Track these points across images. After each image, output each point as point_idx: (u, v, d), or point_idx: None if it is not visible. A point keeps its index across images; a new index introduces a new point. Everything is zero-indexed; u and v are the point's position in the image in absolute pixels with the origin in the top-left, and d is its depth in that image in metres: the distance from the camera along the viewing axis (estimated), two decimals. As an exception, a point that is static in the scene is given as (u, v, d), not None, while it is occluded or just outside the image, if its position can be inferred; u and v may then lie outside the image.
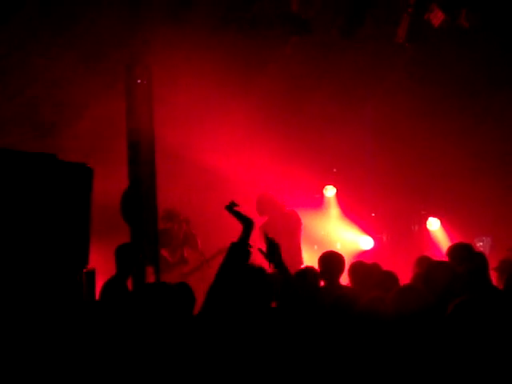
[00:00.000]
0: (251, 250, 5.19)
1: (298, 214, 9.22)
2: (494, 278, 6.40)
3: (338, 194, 12.06)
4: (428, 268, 5.10)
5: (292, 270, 6.61)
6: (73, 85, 9.15)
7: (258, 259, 6.09)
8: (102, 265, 6.85)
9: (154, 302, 4.66)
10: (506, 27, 9.44)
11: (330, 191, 12.07)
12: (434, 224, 12.03)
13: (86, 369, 4.56)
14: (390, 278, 5.87)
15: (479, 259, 5.62)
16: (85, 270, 6.49)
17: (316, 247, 10.64)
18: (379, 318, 4.42)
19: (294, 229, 9.09)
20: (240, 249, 5.15)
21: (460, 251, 5.98)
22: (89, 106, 9.19)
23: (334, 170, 12.28)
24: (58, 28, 8.70)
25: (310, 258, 8.84)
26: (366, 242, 11.63)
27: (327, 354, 4.45)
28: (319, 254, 6.91)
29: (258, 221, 10.01)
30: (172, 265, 9.22)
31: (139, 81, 8.26)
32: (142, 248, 8.03)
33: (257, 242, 7.87)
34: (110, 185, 8.03)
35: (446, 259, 6.56)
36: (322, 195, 12.07)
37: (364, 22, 9.52)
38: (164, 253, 9.11)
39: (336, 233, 11.53)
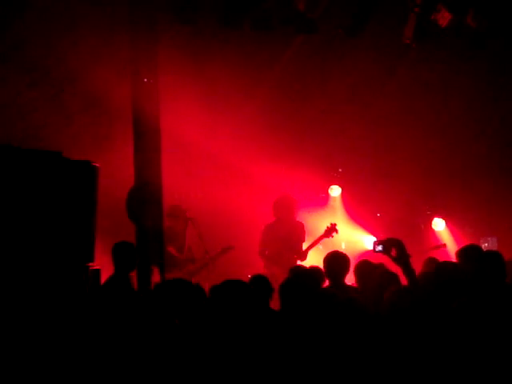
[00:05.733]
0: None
1: (304, 228, 9.42)
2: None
3: (343, 194, 12.05)
4: (437, 268, 5.09)
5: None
6: (80, 83, 9.16)
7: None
8: (108, 263, 6.85)
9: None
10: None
11: (335, 191, 12.06)
12: (439, 224, 12.01)
13: (85, 363, 4.56)
14: (392, 278, 5.87)
15: (492, 259, 5.57)
16: (90, 269, 6.50)
17: (344, 245, 10.66)
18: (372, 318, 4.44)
19: (300, 240, 9.30)
20: None
21: (470, 252, 5.95)
22: (95, 105, 9.18)
23: (340, 169, 12.27)
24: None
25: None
26: (370, 242, 11.60)
27: (328, 356, 4.44)
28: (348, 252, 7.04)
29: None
30: (180, 262, 9.20)
31: (146, 79, 8.25)
32: (146, 246, 8.04)
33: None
34: (115, 183, 8.03)
35: (450, 259, 6.54)
36: (327, 195, 12.06)
37: (369, 22, 9.50)
38: (172, 250, 9.10)
39: (341, 232, 11.51)
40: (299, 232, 9.32)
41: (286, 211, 9.31)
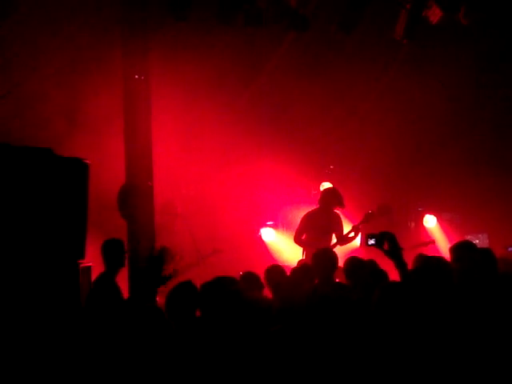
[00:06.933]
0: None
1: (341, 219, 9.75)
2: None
3: (334, 191, 12.04)
4: (424, 264, 5.09)
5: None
6: (71, 80, 9.13)
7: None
8: (99, 259, 6.83)
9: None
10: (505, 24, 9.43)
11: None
12: (430, 221, 12.03)
13: (74, 359, 4.56)
14: (382, 275, 5.88)
15: (484, 256, 5.57)
16: (81, 266, 6.49)
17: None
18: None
19: (338, 229, 9.59)
20: None
21: (463, 249, 5.96)
22: (87, 102, 9.15)
23: (331, 166, 12.28)
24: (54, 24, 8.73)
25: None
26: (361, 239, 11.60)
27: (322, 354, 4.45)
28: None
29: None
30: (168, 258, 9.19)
31: (137, 76, 8.23)
32: (138, 243, 8.04)
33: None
34: (107, 180, 8.01)
35: (440, 256, 6.55)
36: (318, 191, 12.05)
37: (362, 18, 9.49)
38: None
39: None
40: (338, 222, 9.64)
41: (331, 202, 9.59)
